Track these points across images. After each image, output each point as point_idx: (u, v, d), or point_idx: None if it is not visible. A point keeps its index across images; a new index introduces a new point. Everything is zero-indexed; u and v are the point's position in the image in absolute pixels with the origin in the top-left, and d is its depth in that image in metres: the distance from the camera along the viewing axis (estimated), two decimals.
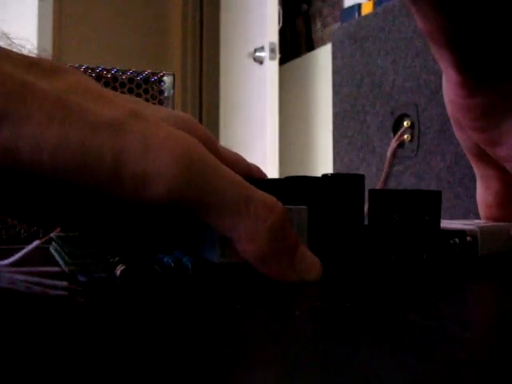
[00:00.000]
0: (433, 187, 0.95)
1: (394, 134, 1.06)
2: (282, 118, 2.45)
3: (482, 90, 0.30)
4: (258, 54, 2.45)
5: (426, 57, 1.00)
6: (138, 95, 0.47)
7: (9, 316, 0.18)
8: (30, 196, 0.24)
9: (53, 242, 0.28)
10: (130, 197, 0.20)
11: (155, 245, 0.26)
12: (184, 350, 0.14)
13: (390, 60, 1.09)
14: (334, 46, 1.28)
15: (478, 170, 0.37)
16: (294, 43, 2.69)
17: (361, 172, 1.16)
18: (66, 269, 0.22)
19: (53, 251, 0.28)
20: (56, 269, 0.22)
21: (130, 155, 0.20)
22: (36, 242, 0.26)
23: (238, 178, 0.22)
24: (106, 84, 0.46)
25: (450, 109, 0.34)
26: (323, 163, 2.23)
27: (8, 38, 0.24)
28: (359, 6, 1.29)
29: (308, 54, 2.54)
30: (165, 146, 0.20)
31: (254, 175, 0.28)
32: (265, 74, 2.41)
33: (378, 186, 1.06)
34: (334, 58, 1.27)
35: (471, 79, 0.30)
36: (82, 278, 0.22)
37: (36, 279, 0.20)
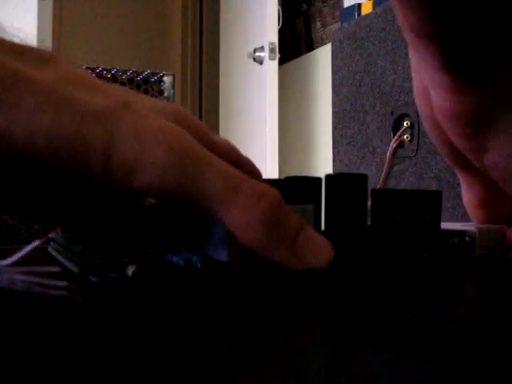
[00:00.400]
0: (433, 187, 0.95)
1: (394, 133, 1.06)
2: (281, 118, 2.45)
3: (472, 90, 0.28)
4: (257, 54, 2.45)
5: None
6: None
7: (9, 316, 0.18)
8: (26, 189, 0.24)
9: (51, 243, 0.28)
10: (120, 185, 0.20)
11: (161, 244, 0.26)
12: (190, 348, 0.14)
13: (390, 60, 1.08)
14: (333, 46, 1.28)
15: (459, 174, 0.36)
16: (294, 43, 2.69)
17: (361, 172, 1.16)
18: (74, 269, 0.22)
19: (52, 251, 0.28)
20: (56, 269, 0.22)
21: (121, 143, 0.20)
22: (36, 242, 0.26)
23: (228, 167, 0.21)
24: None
25: (430, 121, 0.32)
26: (323, 163, 2.23)
27: (0, 27, 0.24)
28: (359, 5, 1.29)
29: (308, 54, 2.54)
30: (156, 136, 0.20)
31: (243, 166, 0.28)
32: (264, 74, 2.41)
33: (378, 186, 1.06)
34: (334, 57, 1.27)
35: (460, 78, 0.28)
36: (93, 279, 0.22)
37: (36, 279, 0.20)
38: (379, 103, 1.11)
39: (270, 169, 2.30)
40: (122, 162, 0.20)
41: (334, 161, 1.25)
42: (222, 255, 0.24)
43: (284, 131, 2.54)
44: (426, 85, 0.29)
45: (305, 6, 2.62)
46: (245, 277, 0.24)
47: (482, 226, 0.32)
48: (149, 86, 0.48)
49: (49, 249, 0.29)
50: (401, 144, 1.05)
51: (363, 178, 0.28)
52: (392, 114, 1.07)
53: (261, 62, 2.44)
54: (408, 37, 0.28)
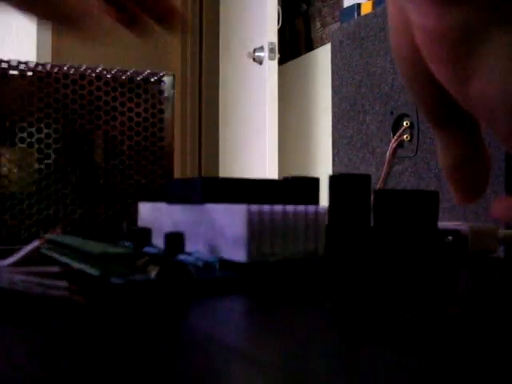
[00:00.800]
0: (432, 187, 0.95)
1: (394, 133, 1.06)
2: (281, 118, 2.45)
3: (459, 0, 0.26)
4: (257, 54, 2.45)
5: None
6: (138, 95, 0.47)
7: (9, 316, 0.18)
8: None
9: (47, 244, 0.27)
10: None
11: (177, 245, 0.25)
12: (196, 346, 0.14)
13: (390, 60, 1.09)
14: (333, 46, 1.28)
15: (436, 133, 0.32)
16: (294, 43, 2.69)
17: (360, 172, 1.16)
18: (92, 271, 0.21)
19: (49, 252, 0.27)
20: (56, 269, 0.22)
21: None
22: (36, 242, 0.26)
23: None
24: (106, 84, 0.46)
25: (408, 63, 0.27)
26: (323, 163, 2.23)
27: None
28: (358, 5, 1.29)
29: (307, 54, 2.54)
30: None
31: None
32: (264, 74, 2.41)
33: (378, 186, 1.06)
34: (334, 58, 1.27)
35: None
36: (116, 281, 0.21)
37: (36, 279, 0.20)
38: (379, 103, 1.11)
39: (269, 169, 2.30)
40: None
41: (333, 161, 1.25)
42: (242, 256, 0.24)
43: (284, 131, 2.54)
44: (404, 5, 0.25)
45: (304, 6, 2.62)
46: (261, 277, 0.24)
47: (473, 225, 0.34)
48: (149, 85, 0.48)
49: (43, 250, 0.28)
50: (400, 144, 1.05)
51: (367, 179, 0.28)
52: (392, 113, 1.07)
53: (260, 62, 2.44)
54: None
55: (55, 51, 2.62)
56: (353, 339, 0.15)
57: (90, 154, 0.45)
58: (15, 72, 0.43)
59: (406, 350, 0.14)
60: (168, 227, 0.29)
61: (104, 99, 0.46)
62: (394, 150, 1.07)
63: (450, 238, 0.32)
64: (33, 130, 0.43)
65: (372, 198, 0.29)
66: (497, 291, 0.24)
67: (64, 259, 0.25)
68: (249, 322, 0.18)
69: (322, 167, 2.19)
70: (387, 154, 1.08)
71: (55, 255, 0.27)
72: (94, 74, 0.46)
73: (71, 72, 0.45)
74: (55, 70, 0.44)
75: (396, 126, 1.08)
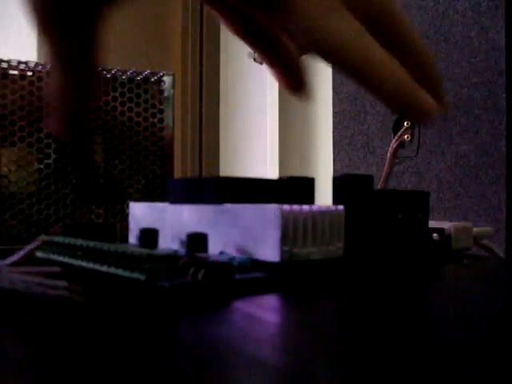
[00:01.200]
0: (433, 187, 0.95)
1: (394, 134, 1.06)
2: (281, 118, 2.45)
3: None
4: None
5: None
6: (138, 95, 0.47)
7: (9, 316, 0.18)
8: None
9: (43, 246, 0.27)
10: None
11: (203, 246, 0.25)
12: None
13: None
14: None
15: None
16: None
17: (361, 172, 1.16)
18: (135, 276, 0.21)
19: (47, 255, 0.27)
20: (56, 269, 0.22)
21: None
22: (36, 242, 0.25)
23: None
24: (106, 84, 0.46)
25: None
26: (323, 163, 2.23)
27: None
28: None
29: (308, 53, 2.54)
30: None
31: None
32: (265, 73, 2.41)
33: (379, 186, 1.06)
34: None
35: None
36: (165, 284, 0.21)
37: (36, 279, 0.20)
38: (379, 103, 1.11)
39: (270, 169, 2.30)
40: None
41: (334, 161, 1.25)
42: (275, 256, 0.24)
43: (284, 131, 2.54)
44: None
45: None
46: (295, 276, 0.25)
47: (455, 223, 0.36)
48: (149, 85, 0.48)
49: (38, 254, 0.27)
50: (401, 144, 1.05)
51: (369, 179, 0.29)
52: (392, 113, 1.07)
53: (261, 62, 2.44)
54: None
55: None
56: (350, 339, 0.15)
57: (90, 154, 0.45)
58: (15, 72, 0.43)
59: (407, 350, 0.14)
60: (173, 228, 0.29)
61: (104, 99, 0.46)
62: (395, 150, 1.07)
63: (435, 235, 0.34)
64: (33, 129, 0.43)
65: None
66: (490, 292, 0.24)
67: (72, 261, 0.25)
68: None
69: (323, 167, 2.19)
70: (388, 154, 1.08)
71: (54, 257, 0.26)
72: None
73: None
74: None
75: (397, 126, 1.08)
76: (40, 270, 0.21)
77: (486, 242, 0.39)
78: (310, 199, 0.29)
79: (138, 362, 0.13)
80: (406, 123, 1.05)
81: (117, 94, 0.46)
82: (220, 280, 0.21)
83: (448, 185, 0.93)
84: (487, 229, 0.40)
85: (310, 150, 2.47)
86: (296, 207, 0.25)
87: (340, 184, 0.28)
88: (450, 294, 0.23)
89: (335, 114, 1.25)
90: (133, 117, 0.47)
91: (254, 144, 2.47)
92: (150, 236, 0.26)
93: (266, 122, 2.38)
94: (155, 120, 0.48)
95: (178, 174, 2.72)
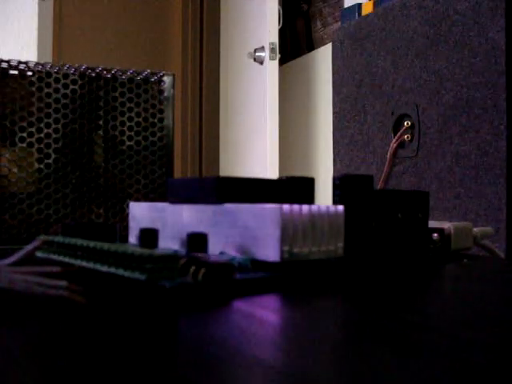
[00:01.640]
0: (433, 187, 0.95)
1: (395, 134, 1.06)
2: (282, 118, 2.45)
3: None
4: (258, 54, 2.45)
5: (425, 57, 1.00)
6: (138, 95, 0.47)
7: (9, 316, 0.18)
8: None
9: (44, 246, 0.27)
10: None
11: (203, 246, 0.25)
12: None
13: (390, 60, 1.08)
14: (334, 46, 1.28)
15: None
16: (294, 43, 2.69)
17: (361, 172, 1.16)
18: (135, 276, 0.21)
19: (47, 255, 0.27)
20: (56, 269, 0.22)
21: None
22: (36, 242, 0.25)
23: None
24: (106, 84, 0.46)
25: None
26: (323, 163, 2.23)
27: None
28: (359, 5, 1.29)
29: (308, 54, 2.54)
30: None
31: None
32: (265, 74, 2.41)
33: (379, 186, 1.06)
34: (334, 57, 1.27)
35: None
36: (165, 284, 0.21)
37: (36, 279, 0.20)
38: (379, 103, 1.11)
39: (270, 169, 2.30)
40: None
41: (334, 161, 1.25)
42: (274, 256, 0.24)
43: (284, 131, 2.53)
44: None
45: (305, 6, 2.62)
46: (296, 276, 0.25)
47: (455, 223, 0.36)
48: (149, 85, 0.48)
49: (38, 254, 0.27)
50: (401, 144, 1.05)
51: (369, 179, 0.29)
52: (392, 114, 1.07)
53: (261, 62, 2.44)
54: None
55: (55, 51, 2.62)
56: (350, 339, 0.15)
57: (90, 154, 0.45)
58: (15, 72, 0.43)
59: (408, 350, 0.14)
60: (173, 228, 0.29)
61: (104, 99, 0.46)
62: (395, 151, 1.07)
63: (435, 235, 0.34)
64: (33, 129, 0.43)
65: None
66: (490, 292, 0.24)
67: (72, 261, 0.25)
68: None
69: (323, 167, 2.19)
70: (388, 154, 1.08)
71: (54, 257, 0.26)
72: (93, 74, 0.46)
73: (71, 72, 0.45)
74: (55, 70, 0.44)
75: (397, 126, 1.08)
76: (40, 270, 0.21)
77: (485, 242, 0.39)
78: (310, 199, 0.29)
79: (138, 362, 0.13)
80: (406, 123, 1.05)
81: (117, 94, 0.46)
82: (220, 280, 0.21)
83: (448, 185, 0.93)
84: (487, 229, 0.40)
85: (310, 150, 2.47)
86: (296, 207, 0.25)
87: (340, 184, 0.28)
88: (450, 294, 0.23)
89: (335, 114, 1.25)
90: (133, 117, 0.47)
91: (255, 144, 2.47)
92: (150, 236, 0.26)
93: (266, 122, 2.38)
94: (155, 120, 0.48)
95: (177, 174, 2.72)
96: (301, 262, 0.25)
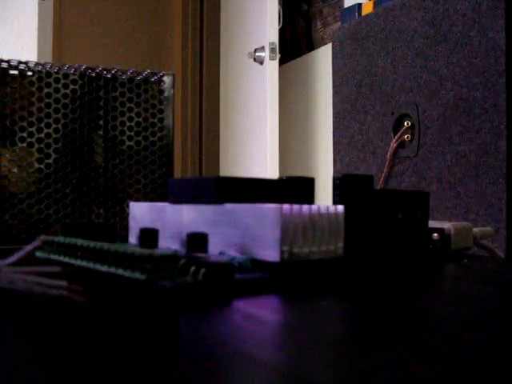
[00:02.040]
0: (433, 187, 0.95)
1: (395, 134, 1.06)
2: (282, 118, 2.45)
3: None
4: (258, 53, 2.45)
5: (425, 57, 1.00)
6: (138, 95, 0.47)
7: (9, 316, 0.18)
8: None
9: (44, 246, 0.27)
10: None
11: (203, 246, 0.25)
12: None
13: (391, 60, 1.08)
14: (334, 46, 1.28)
15: None
16: (294, 43, 2.69)
17: (361, 172, 1.16)
18: (140, 276, 0.21)
19: (47, 255, 0.27)
20: (56, 269, 0.22)
21: None
22: (36, 242, 0.25)
23: None
24: (106, 84, 0.46)
25: None
26: (323, 163, 2.23)
27: None
28: (359, 6, 1.29)
29: (308, 53, 2.54)
30: None
31: None
32: (265, 73, 2.41)
33: (379, 186, 1.06)
34: (334, 57, 1.27)
35: None
36: (165, 284, 0.21)
37: (36, 279, 0.20)
38: (380, 103, 1.11)
39: (270, 169, 2.30)
40: None
41: (334, 161, 1.25)
42: (274, 256, 0.24)
43: (284, 131, 2.54)
44: None
45: (305, 6, 2.62)
46: (296, 276, 0.25)
47: (455, 223, 0.36)
48: (149, 85, 0.48)
49: (38, 254, 0.27)
50: (401, 144, 1.05)
51: (369, 179, 0.30)
52: (392, 114, 1.07)
53: (261, 62, 2.44)
54: None
55: (55, 51, 2.62)
56: (350, 339, 0.15)
57: (90, 154, 0.45)
58: (15, 72, 0.43)
59: (409, 351, 0.14)
60: (173, 228, 0.29)
61: (104, 99, 0.46)
62: (395, 151, 1.07)
63: (435, 235, 0.34)
64: (33, 129, 0.43)
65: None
66: (489, 291, 0.24)
67: (72, 261, 0.25)
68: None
69: (323, 167, 2.19)
70: (388, 154, 1.08)
71: (54, 257, 0.26)
72: (93, 74, 0.46)
73: (71, 72, 0.45)
74: (55, 70, 0.44)
75: (397, 126, 1.08)
76: (40, 270, 0.21)
77: (485, 242, 0.39)
78: (310, 199, 0.29)
79: (138, 362, 0.13)
80: (406, 123, 1.05)
81: (117, 94, 0.46)
82: (220, 280, 0.21)
83: (448, 185, 0.93)
84: (487, 229, 0.40)
85: (310, 150, 2.47)
86: (296, 207, 0.25)
87: (340, 184, 0.28)
88: (450, 294, 0.23)
89: (335, 114, 1.25)
90: (133, 117, 0.47)
91: (255, 144, 2.47)
92: (150, 236, 0.26)
93: (266, 122, 2.38)
94: (155, 120, 0.48)
95: (177, 174, 2.71)
96: (301, 262, 0.25)
